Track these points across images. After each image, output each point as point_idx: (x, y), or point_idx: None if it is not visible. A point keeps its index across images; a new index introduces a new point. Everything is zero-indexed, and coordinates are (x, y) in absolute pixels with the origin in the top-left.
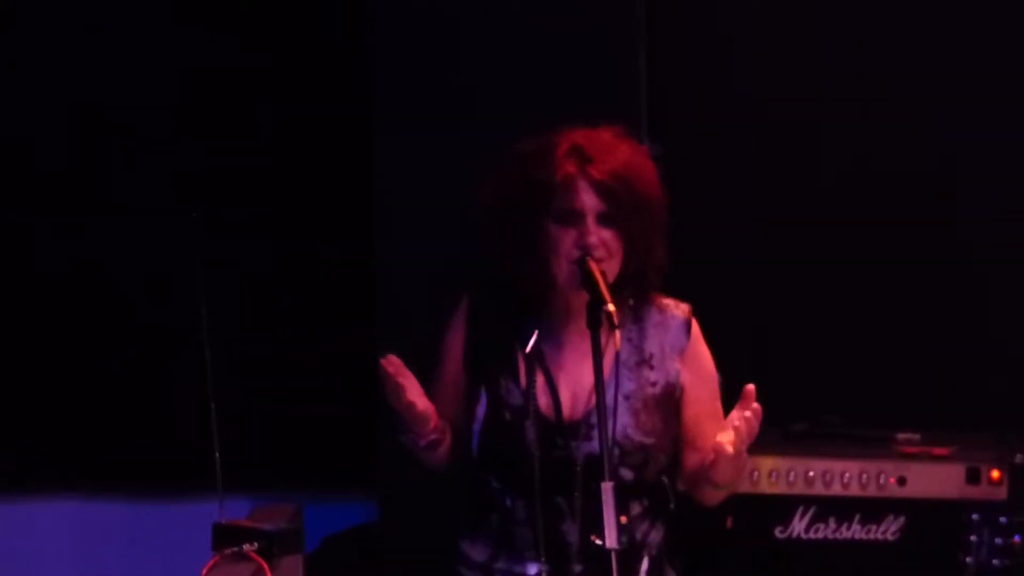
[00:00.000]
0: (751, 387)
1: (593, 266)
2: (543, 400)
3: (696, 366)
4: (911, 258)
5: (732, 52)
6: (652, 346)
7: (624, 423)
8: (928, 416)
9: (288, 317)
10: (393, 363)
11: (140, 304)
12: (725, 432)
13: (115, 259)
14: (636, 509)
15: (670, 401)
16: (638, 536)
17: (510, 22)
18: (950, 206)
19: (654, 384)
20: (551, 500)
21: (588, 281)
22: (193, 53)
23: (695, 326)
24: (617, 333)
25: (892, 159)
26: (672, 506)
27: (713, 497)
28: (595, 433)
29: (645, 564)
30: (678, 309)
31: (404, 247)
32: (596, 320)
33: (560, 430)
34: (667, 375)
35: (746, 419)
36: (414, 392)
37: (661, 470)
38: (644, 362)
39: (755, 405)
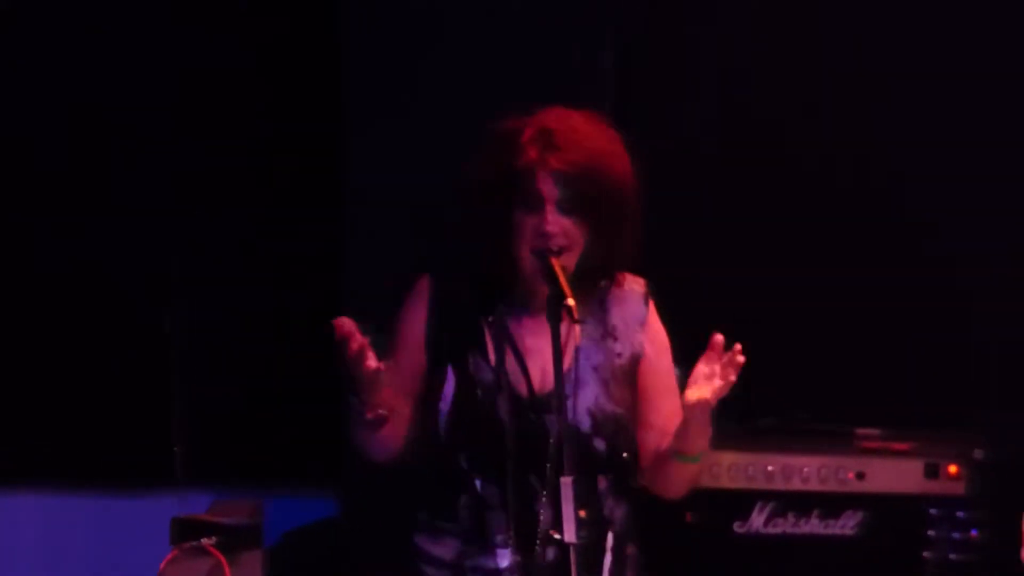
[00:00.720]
0: (719, 336)
1: (553, 261)
2: (513, 375)
3: (651, 338)
4: (876, 255)
5: (701, 50)
6: (614, 318)
7: (595, 394)
8: (889, 412)
9: (252, 314)
10: (345, 324)
11: (103, 301)
12: (695, 387)
13: (74, 258)
14: (603, 484)
15: (634, 373)
16: (604, 511)
17: (483, 15)
18: (907, 203)
19: (620, 355)
20: (524, 478)
21: (548, 275)
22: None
23: (652, 306)
24: (577, 328)
25: (853, 155)
26: (634, 484)
27: (678, 478)
28: (569, 404)
29: (610, 539)
30: (635, 283)
31: (372, 245)
32: (556, 314)
33: (532, 404)
34: (632, 347)
35: (723, 368)
36: (368, 353)
37: (631, 443)
38: (608, 335)
39: (736, 357)
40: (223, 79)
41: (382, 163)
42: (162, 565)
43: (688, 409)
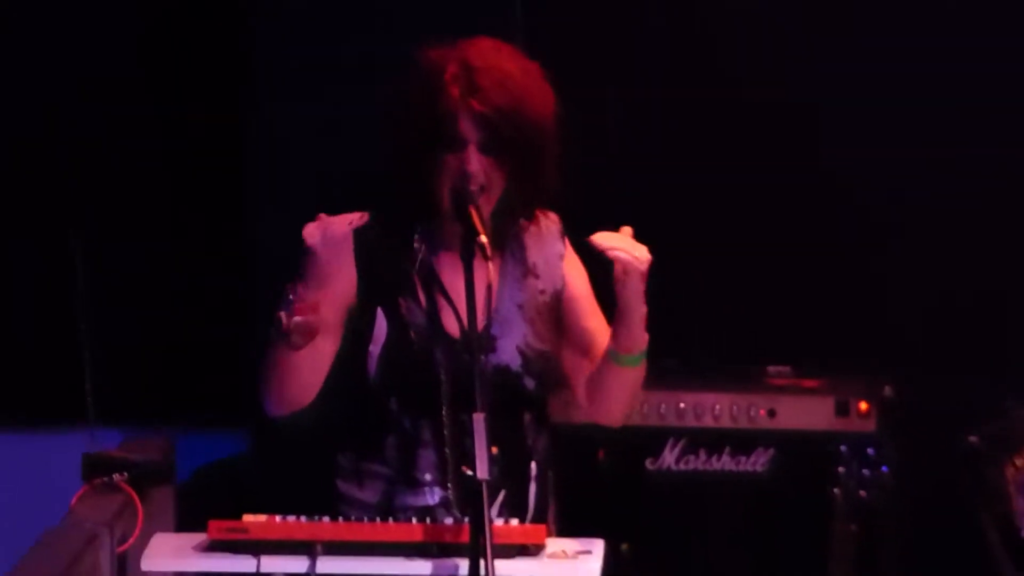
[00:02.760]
0: (627, 228)
1: (466, 199)
2: (445, 316)
3: (571, 268)
4: (784, 197)
5: None
6: (533, 256)
7: (523, 332)
8: (800, 351)
9: (160, 248)
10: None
11: (8, 234)
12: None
13: None
14: (528, 417)
15: (559, 309)
16: (528, 442)
17: None
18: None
19: (543, 292)
20: (456, 416)
21: (461, 213)
22: None
23: (568, 243)
24: (491, 264)
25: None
26: (550, 419)
27: (619, 389)
28: (499, 344)
29: (533, 468)
30: (551, 219)
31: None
32: (469, 251)
33: (466, 344)
34: (553, 283)
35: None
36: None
37: (558, 379)
38: (529, 272)
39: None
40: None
41: (293, 92)
42: (73, 501)
43: (618, 285)
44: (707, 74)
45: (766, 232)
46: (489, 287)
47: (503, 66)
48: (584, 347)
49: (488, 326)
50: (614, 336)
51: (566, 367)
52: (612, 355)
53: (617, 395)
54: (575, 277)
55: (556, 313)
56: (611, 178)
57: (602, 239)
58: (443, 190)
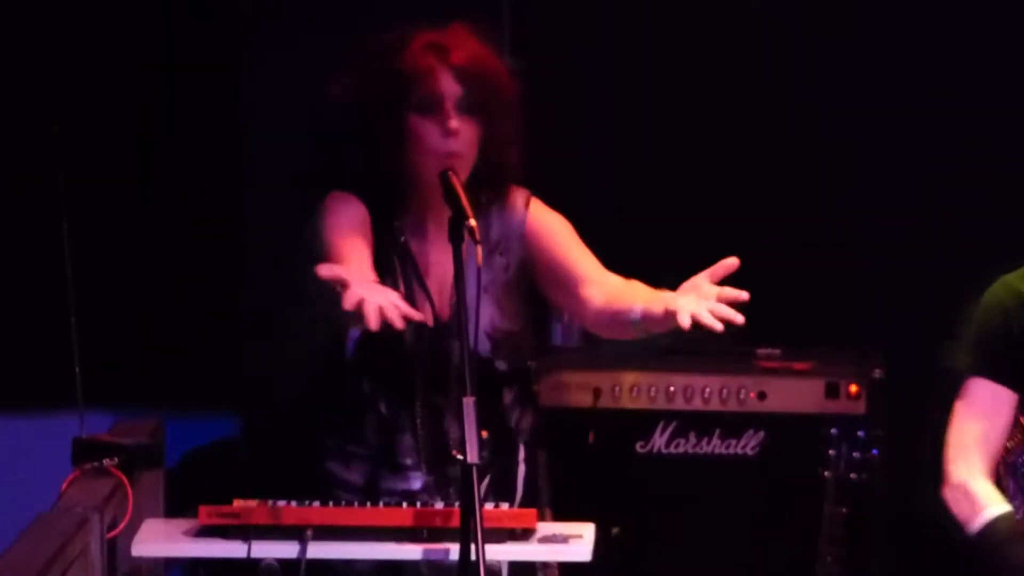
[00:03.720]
0: (734, 260)
1: (454, 179)
2: (419, 300)
3: (545, 222)
4: (771, 179)
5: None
6: (496, 232)
7: (490, 315)
8: (790, 332)
9: (150, 230)
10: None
11: None
12: (685, 296)
13: None
14: (508, 397)
15: (523, 282)
16: (512, 423)
17: None
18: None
19: (507, 269)
20: (430, 401)
21: (450, 195)
22: None
23: (534, 202)
24: (479, 248)
25: (746, 85)
26: (536, 388)
27: (628, 335)
28: (466, 330)
29: (522, 451)
30: (517, 192)
31: (269, 166)
32: (458, 234)
33: (437, 330)
34: (517, 255)
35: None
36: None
37: (530, 354)
38: (494, 250)
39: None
40: None
41: (275, 77)
42: (64, 486)
43: (667, 315)
44: (701, 62)
45: (757, 214)
46: (478, 270)
47: (462, 33)
48: (588, 277)
49: (456, 311)
50: (647, 318)
51: (561, 303)
52: (635, 324)
53: (621, 335)
54: (549, 226)
55: (520, 286)
56: (601, 162)
57: (690, 307)
58: (420, 158)
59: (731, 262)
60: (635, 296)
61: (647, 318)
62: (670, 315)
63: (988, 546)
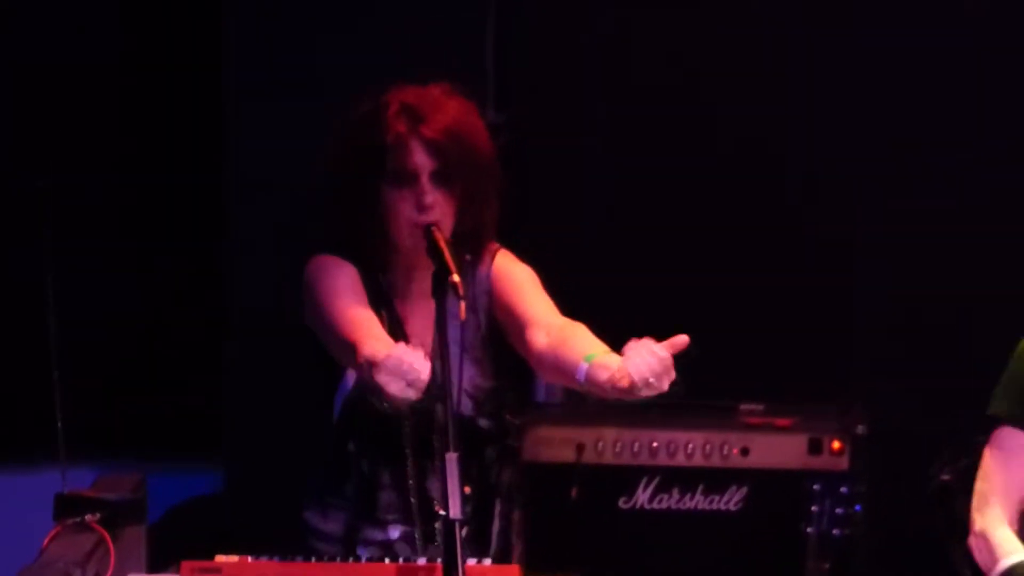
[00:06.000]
0: (684, 338)
1: (438, 235)
2: None
3: (508, 271)
4: (756, 227)
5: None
6: (471, 290)
7: (470, 375)
8: (772, 388)
9: (135, 286)
10: None
11: None
12: (629, 362)
13: None
14: (490, 454)
15: (495, 334)
16: (492, 479)
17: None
18: (786, 179)
19: (480, 326)
20: (414, 460)
21: (433, 250)
22: None
23: (500, 254)
24: (462, 304)
25: (734, 138)
26: (517, 444)
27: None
28: (449, 388)
29: (499, 506)
30: (487, 251)
31: (256, 219)
32: (442, 290)
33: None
34: (484, 310)
35: (661, 371)
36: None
37: (511, 410)
38: (469, 308)
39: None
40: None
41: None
42: (45, 541)
43: (613, 382)
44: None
45: (738, 267)
46: (462, 325)
47: (438, 97)
48: (535, 320)
49: (438, 373)
50: (591, 383)
51: (518, 350)
52: (580, 384)
53: (567, 384)
54: (508, 272)
55: (494, 339)
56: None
57: (636, 372)
58: (396, 228)
59: (681, 340)
60: (577, 346)
61: (591, 382)
62: (614, 385)
63: None
